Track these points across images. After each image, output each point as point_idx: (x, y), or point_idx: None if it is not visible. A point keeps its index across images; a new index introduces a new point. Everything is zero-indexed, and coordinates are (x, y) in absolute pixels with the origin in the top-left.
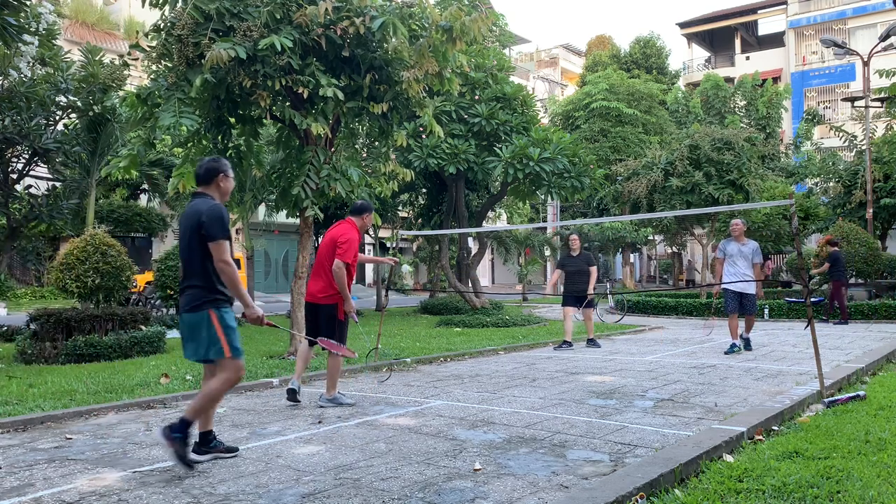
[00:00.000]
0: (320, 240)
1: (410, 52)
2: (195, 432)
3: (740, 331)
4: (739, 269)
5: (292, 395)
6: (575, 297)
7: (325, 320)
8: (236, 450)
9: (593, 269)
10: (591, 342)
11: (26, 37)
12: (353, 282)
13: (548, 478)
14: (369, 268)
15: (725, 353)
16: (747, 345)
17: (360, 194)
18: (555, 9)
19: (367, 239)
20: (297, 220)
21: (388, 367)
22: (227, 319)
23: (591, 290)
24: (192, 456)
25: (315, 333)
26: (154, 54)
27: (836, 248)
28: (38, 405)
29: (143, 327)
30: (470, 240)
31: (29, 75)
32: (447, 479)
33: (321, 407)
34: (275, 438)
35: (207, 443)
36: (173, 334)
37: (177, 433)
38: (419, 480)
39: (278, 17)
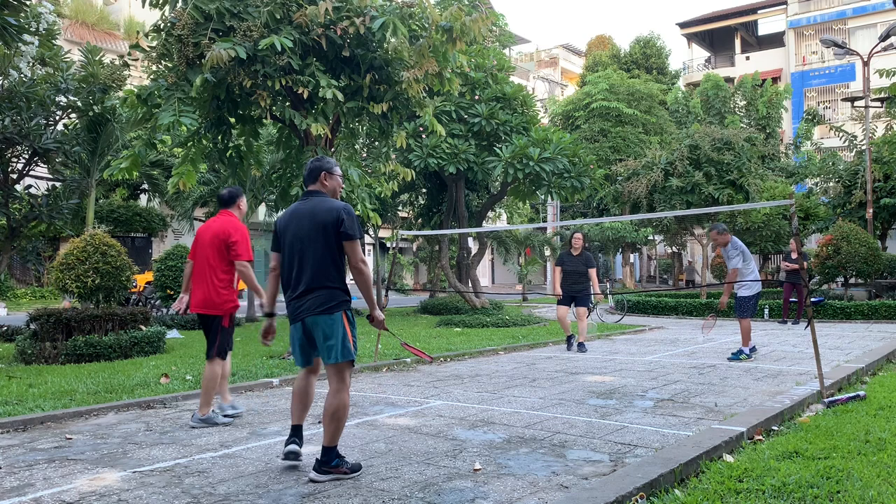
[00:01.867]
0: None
1: (410, 52)
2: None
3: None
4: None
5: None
6: (570, 297)
7: (213, 331)
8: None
9: (592, 271)
10: (580, 346)
11: (26, 37)
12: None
13: (548, 478)
14: (369, 268)
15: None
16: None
17: (360, 194)
18: (555, 9)
19: (368, 239)
20: None
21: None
22: (353, 321)
23: (596, 292)
24: (292, 447)
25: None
26: (154, 54)
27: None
28: (38, 405)
29: (143, 327)
30: (470, 240)
31: (29, 75)
32: (447, 479)
33: (192, 428)
34: (275, 438)
35: (298, 435)
36: (173, 334)
37: (333, 461)
38: (419, 480)
39: (278, 17)
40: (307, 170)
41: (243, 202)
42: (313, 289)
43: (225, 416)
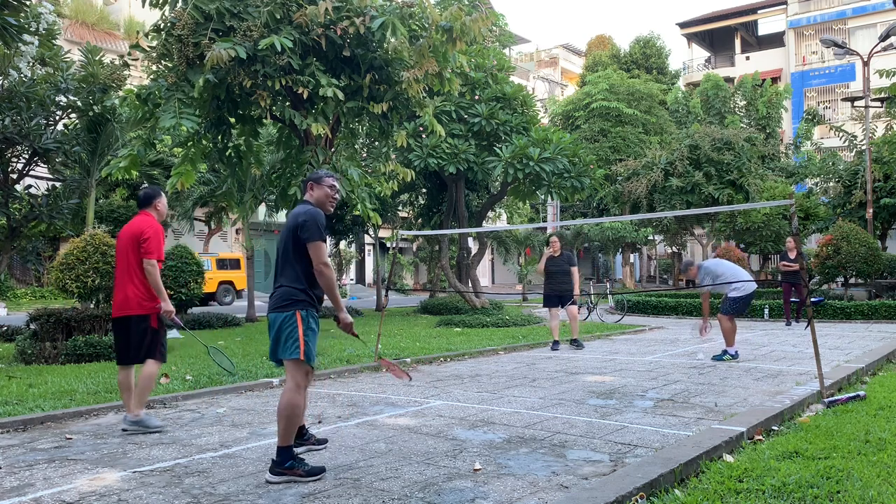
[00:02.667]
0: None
1: (410, 52)
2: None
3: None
4: None
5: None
6: (557, 296)
7: (139, 334)
8: (325, 441)
9: (575, 270)
10: (575, 342)
11: (26, 37)
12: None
13: (548, 478)
14: (369, 268)
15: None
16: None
17: (360, 194)
18: (555, 9)
19: (367, 239)
20: None
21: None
22: (311, 323)
23: (577, 291)
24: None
25: (128, 354)
26: (154, 54)
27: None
28: (38, 405)
29: None
30: (470, 240)
31: (29, 75)
32: (447, 479)
33: (124, 431)
34: (275, 438)
35: (301, 437)
36: (173, 334)
37: (286, 463)
38: (419, 480)
39: (278, 17)
40: (303, 182)
41: (161, 203)
42: (276, 288)
43: (126, 428)
